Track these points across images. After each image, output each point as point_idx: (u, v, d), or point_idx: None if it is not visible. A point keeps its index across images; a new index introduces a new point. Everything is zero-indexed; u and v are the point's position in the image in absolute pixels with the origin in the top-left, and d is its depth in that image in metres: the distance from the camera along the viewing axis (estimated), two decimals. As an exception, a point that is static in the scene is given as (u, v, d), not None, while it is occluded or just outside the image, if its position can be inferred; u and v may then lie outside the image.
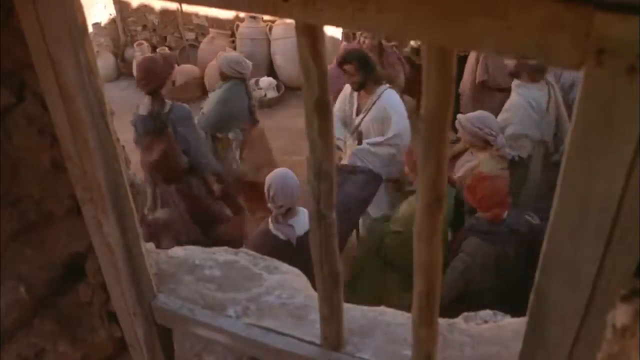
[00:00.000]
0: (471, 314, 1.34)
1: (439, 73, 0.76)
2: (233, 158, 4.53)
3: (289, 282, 1.47)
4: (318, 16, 0.76)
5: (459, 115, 3.73)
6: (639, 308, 0.74)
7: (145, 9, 7.57)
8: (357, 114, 4.19)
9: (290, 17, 0.78)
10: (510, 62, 3.99)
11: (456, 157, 3.88)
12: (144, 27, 7.69)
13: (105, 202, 1.24)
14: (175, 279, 1.48)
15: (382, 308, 1.38)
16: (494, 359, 1.20)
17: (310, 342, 1.27)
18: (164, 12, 7.43)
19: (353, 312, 1.33)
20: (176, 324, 1.45)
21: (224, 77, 4.45)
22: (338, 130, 4.14)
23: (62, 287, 1.42)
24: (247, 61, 4.52)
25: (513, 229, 3.05)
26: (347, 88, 4.23)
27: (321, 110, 0.94)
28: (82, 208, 1.29)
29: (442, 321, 1.26)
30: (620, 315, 0.76)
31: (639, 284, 0.75)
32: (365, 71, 4.01)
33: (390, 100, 4.06)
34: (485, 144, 3.59)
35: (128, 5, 7.63)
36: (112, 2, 7.53)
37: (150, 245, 1.55)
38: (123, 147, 1.27)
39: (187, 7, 7.12)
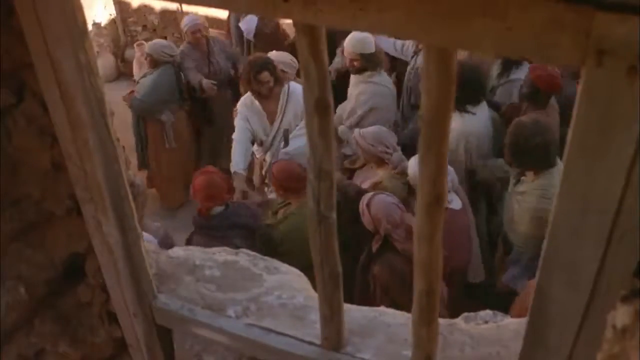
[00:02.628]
0: (471, 314, 1.34)
1: (439, 73, 0.76)
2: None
3: (289, 283, 1.47)
4: (318, 16, 0.76)
5: (355, 130, 3.70)
6: (639, 308, 0.73)
7: (145, 9, 7.56)
8: (272, 122, 4.11)
9: (290, 17, 0.78)
10: (348, 57, 4.14)
11: (355, 170, 3.83)
12: (144, 27, 7.67)
13: (105, 203, 1.23)
14: (175, 279, 1.48)
15: (382, 308, 1.38)
16: (494, 359, 1.20)
17: (310, 343, 1.27)
18: (164, 12, 7.41)
19: (353, 313, 1.33)
20: (176, 324, 1.45)
21: (155, 63, 4.80)
22: (242, 158, 4.04)
23: (62, 287, 1.41)
24: (174, 46, 4.96)
25: (232, 223, 3.08)
26: (246, 101, 4.13)
27: (321, 110, 0.94)
28: (82, 208, 1.29)
29: (442, 321, 1.26)
30: (620, 315, 0.76)
31: (639, 284, 0.75)
32: (276, 75, 4.01)
33: (300, 89, 3.99)
34: (380, 161, 3.52)
35: (128, 5, 7.62)
36: (112, 2, 7.52)
37: (150, 246, 1.55)
38: (123, 147, 1.27)
39: (187, 7, 7.11)
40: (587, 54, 0.62)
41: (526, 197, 3.26)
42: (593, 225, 0.75)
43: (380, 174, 3.53)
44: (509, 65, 4.14)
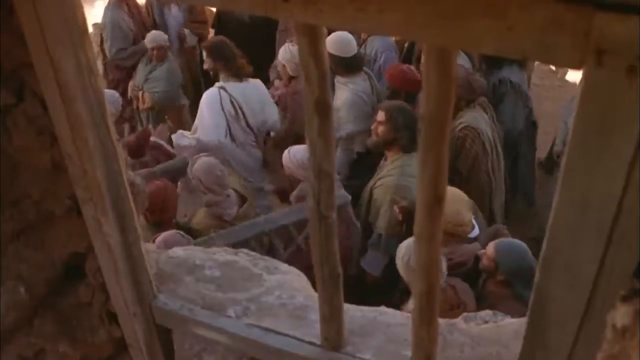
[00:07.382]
0: (471, 314, 1.34)
1: (439, 73, 0.76)
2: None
3: (289, 283, 1.47)
4: (318, 16, 0.76)
5: (197, 159, 3.65)
6: (639, 308, 0.73)
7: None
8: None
9: (290, 17, 0.78)
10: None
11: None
12: (144, 27, 7.67)
13: (105, 202, 1.24)
14: (175, 279, 1.48)
15: (382, 308, 1.38)
16: (494, 359, 1.20)
17: (310, 343, 1.27)
18: (164, 12, 7.40)
19: (353, 312, 1.33)
20: (176, 324, 1.45)
21: (164, 53, 4.97)
22: None
23: (62, 287, 1.41)
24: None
25: None
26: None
27: (321, 110, 0.94)
28: (82, 208, 1.29)
29: (442, 321, 1.26)
30: (620, 315, 0.76)
31: (639, 284, 0.75)
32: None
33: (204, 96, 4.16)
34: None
35: (128, 5, 7.61)
36: (112, 2, 7.51)
37: (150, 246, 1.55)
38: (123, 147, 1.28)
39: (187, 7, 7.10)
40: (587, 54, 0.62)
41: (386, 179, 3.27)
42: (593, 225, 0.75)
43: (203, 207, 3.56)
44: (492, 66, 4.20)
